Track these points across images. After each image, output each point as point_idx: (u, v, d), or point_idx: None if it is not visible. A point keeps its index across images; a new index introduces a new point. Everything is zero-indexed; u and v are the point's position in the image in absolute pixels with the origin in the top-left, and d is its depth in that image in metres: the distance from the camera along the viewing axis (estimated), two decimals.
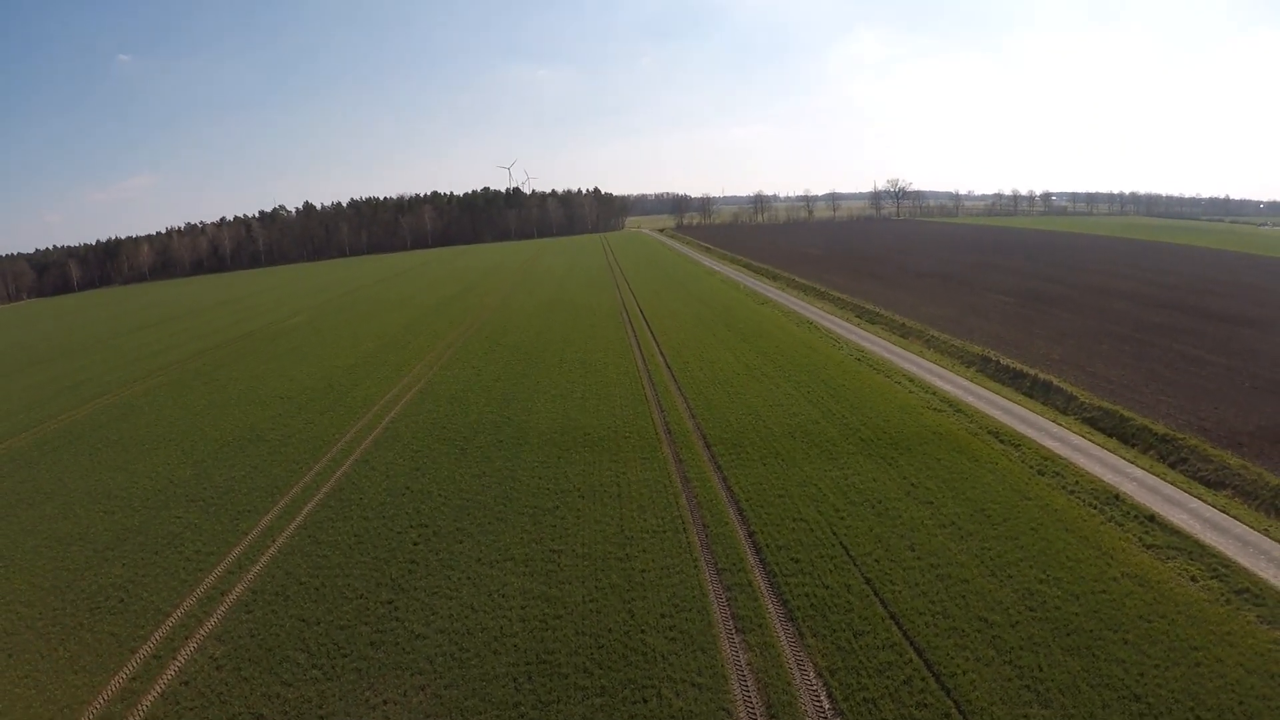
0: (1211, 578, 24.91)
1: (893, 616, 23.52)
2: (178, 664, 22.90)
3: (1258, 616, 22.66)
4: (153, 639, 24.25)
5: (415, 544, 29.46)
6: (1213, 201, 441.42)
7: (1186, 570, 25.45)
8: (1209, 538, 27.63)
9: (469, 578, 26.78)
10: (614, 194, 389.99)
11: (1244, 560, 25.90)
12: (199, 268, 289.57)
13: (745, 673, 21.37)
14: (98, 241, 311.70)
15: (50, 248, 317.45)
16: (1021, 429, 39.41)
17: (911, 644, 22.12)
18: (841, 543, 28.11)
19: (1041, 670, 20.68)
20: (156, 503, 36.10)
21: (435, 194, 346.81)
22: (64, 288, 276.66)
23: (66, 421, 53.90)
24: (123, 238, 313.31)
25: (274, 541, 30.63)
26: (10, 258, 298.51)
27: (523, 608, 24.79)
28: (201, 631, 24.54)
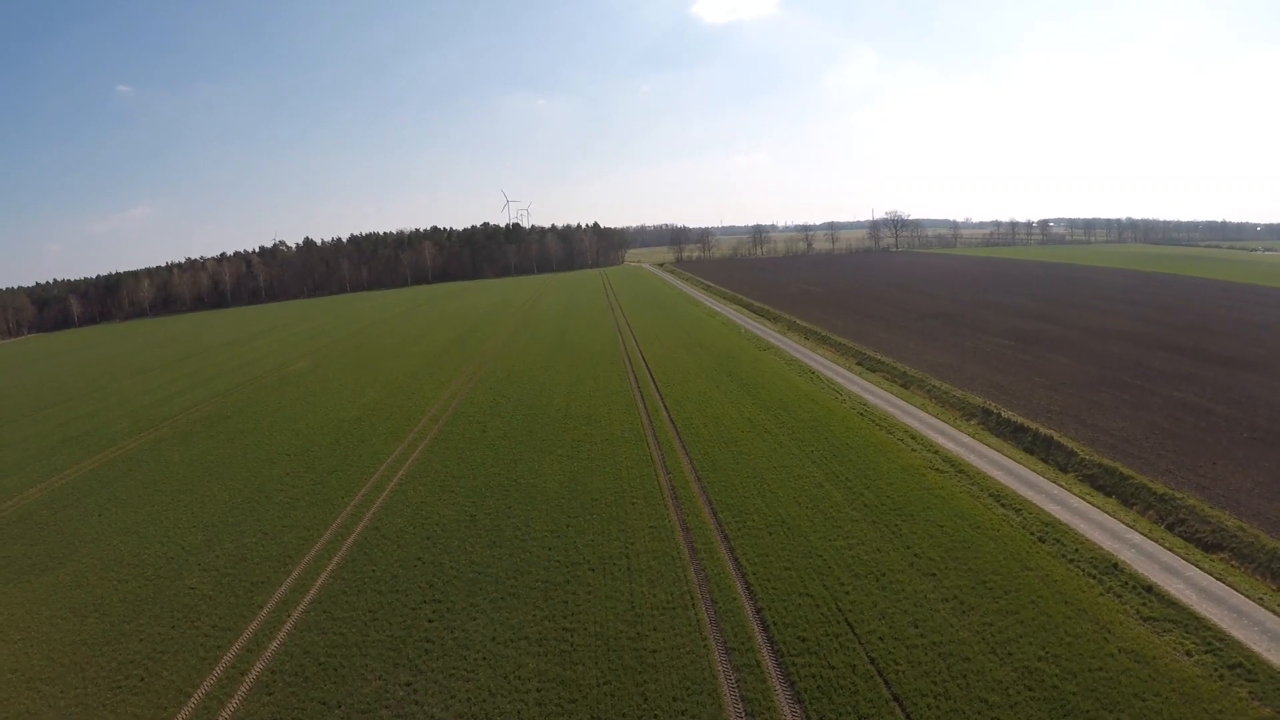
0: (1206, 652, 25.47)
1: (897, 699, 24.04)
2: None
3: (1249, 693, 23.21)
4: None
5: (430, 621, 29.97)
6: (1210, 226, 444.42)
7: (1182, 644, 26.01)
8: (1205, 609, 28.19)
9: (485, 658, 27.27)
10: (613, 228, 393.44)
11: (1238, 633, 26.47)
12: (200, 303, 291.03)
13: None
14: (98, 276, 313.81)
15: (51, 281, 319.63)
16: (1023, 491, 40.02)
17: None
18: (847, 620, 28.63)
19: None
20: (169, 571, 36.59)
21: (435, 229, 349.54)
22: (65, 323, 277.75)
23: (73, 476, 54.47)
24: (123, 272, 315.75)
25: (289, 616, 31.11)
26: (11, 291, 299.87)
27: (539, 690, 25.28)
28: (224, 714, 25.02)
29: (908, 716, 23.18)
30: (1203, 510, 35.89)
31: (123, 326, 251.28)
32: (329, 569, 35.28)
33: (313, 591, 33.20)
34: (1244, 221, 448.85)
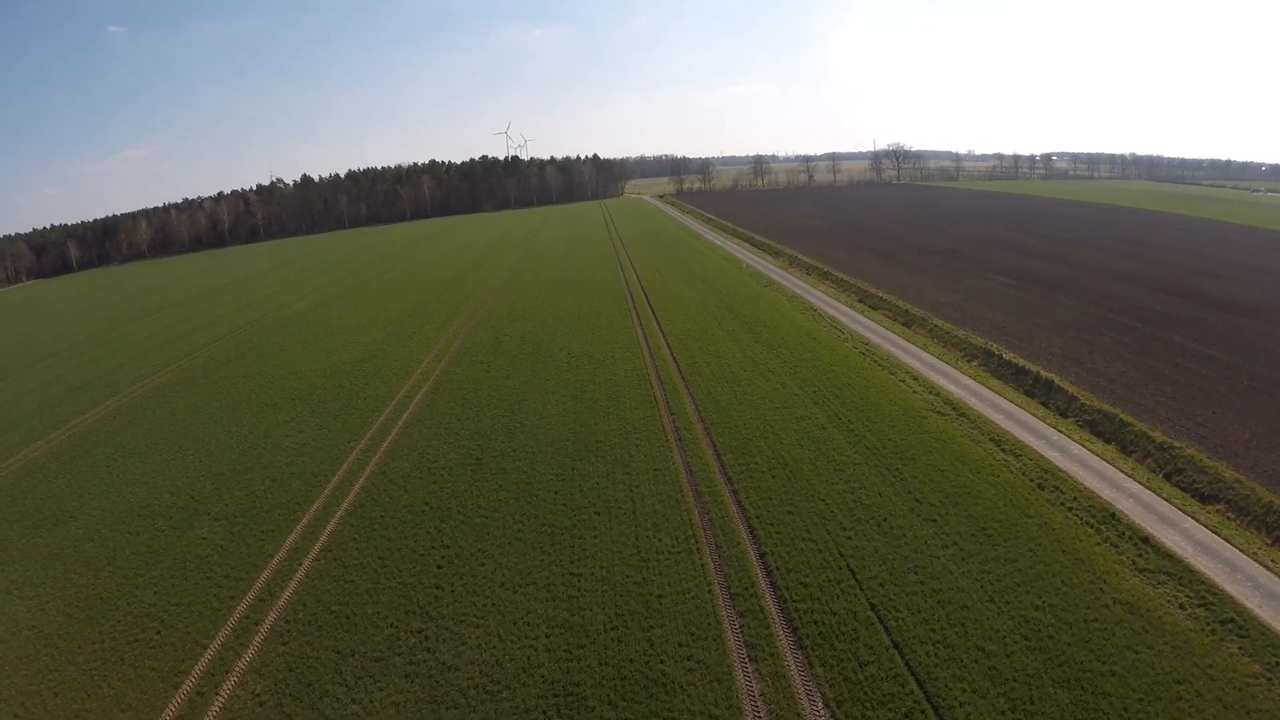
0: (1199, 605, 25.91)
1: (896, 645, 24.61)
2: (221, 699, 24.05)
3: (1239, 649, 23.66)
4: (194, 673, 25.37)
5: (439, 567, 30.51)
6: (1214, 164, 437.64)
7: (1175, 597, 26.45)
8: (1199, 562, 28.58)
9: (494, 604, 27.84)
10: (612, 159, 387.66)
11: (1231, 587, 26.87)
12: (198, 244, 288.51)
13: (759, 704, 22.49)
14: (95, 219, 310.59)
15: (48, 227, 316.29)
16: (1023, 436, 40.27)
17: (913, 675, 23.25)
18: (849, 565, 29.13)
19: (1033, 704, 21.82)
20: (180, 520, 37.08)
21: (434, 163, 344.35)
22: (63, 268, 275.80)
23: (80, 427, 54.77)
24: (120, 214, 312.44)
25: (300, 564, 31.67)
26: (9, 239, 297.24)
27: (548, 636, 25.89)
28: (240, 665, 25.65)
29: (907, 663, 23.75)
30: (1201, 460, 36.17)
31: (121, 269, 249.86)
32: (338, 515, 35.78)
33: (323, 538, 33.73)
34: (1249, 161, 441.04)
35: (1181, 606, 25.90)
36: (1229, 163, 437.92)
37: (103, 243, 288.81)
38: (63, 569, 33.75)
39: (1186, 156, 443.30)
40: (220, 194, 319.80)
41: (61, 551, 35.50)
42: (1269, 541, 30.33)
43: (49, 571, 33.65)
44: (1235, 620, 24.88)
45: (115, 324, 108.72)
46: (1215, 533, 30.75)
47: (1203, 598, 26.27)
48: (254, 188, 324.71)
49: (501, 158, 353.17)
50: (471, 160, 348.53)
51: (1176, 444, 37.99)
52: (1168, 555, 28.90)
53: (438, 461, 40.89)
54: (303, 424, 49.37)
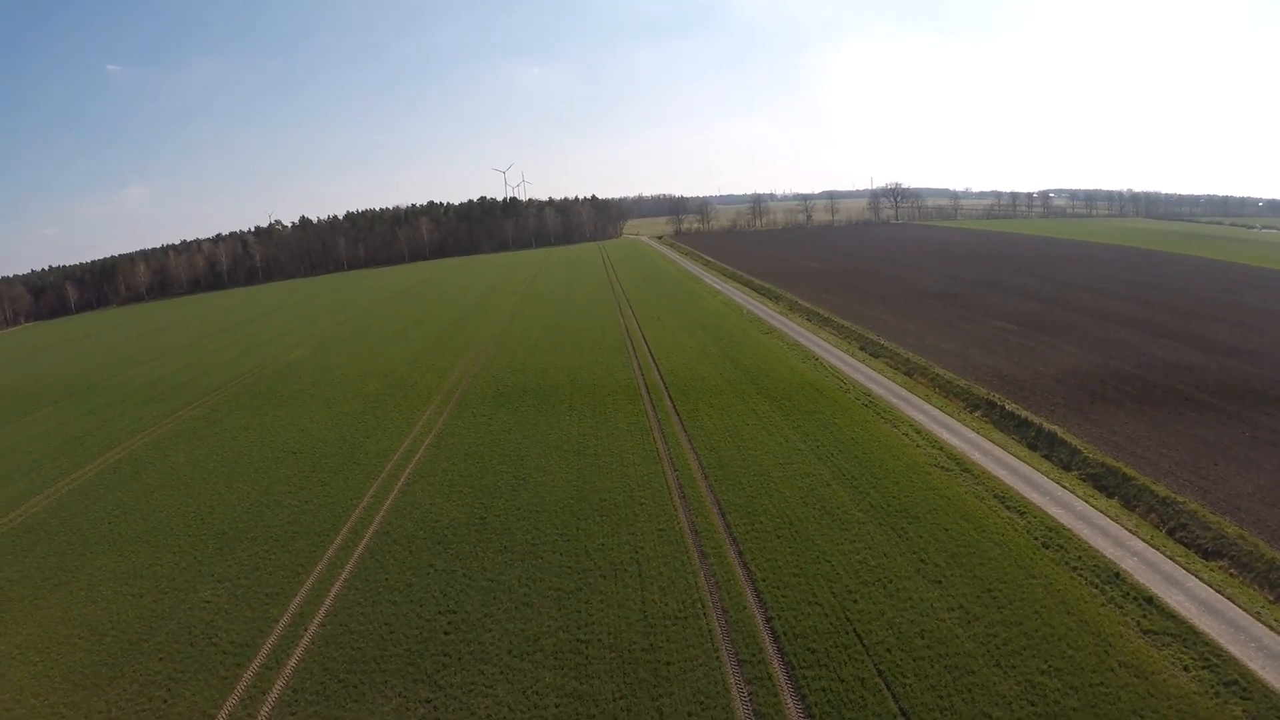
0: (1203, 668, 25.91)
1: (904, 714, 24.58)
2: None
3: (1244, 711, 23.68)
4: None
5: (446, 634, 30.37)
6: (1211, 200, 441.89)
7: (1180, 659, 26.46)
8: (1203, 623, 28.62)
9: (502, 672, 27.70)
10: (610, 199, 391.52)
11: (1235, 649, 26.90)
12: (197, 286, 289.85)
13: None
14: (94, 261, 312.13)
15: (46, 268, 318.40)
16: (1027, 493, 40.38)
17: None
18: (856, 630, 29.07)
19: None
20: (183, 583, 36.90)
21: (432, 204, 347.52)
22: (61, 310, 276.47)
23: (80, 481, 54.62)
24: (118, 255, 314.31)
25: (306, 630, 31.52)
26: (7, 281, 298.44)
27: (557, 706, 25.75)
28: None
29: None
30: (1204, 516, 36.31)
31: (119, 312, 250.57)
32: (342, 578, 35.66)
33: (327, 602, 33.60)
34: (1246, 196, 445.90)
35: (1186, 669, 25.90)
36: (1226, 199, 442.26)
37: (101, 285, 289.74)
38: (66, 633, 33.49)
39: (1184, 192, 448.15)
40: (218, 235, 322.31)
41: (65, 615, 35.24)
42: (1271, 599, 30.42)
43: (52, 636, 33.40)
44: (1239, 682, 24.90)
45: (114, 370, 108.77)
46: (1219, 591, 30.81)
47: (1207, 659, 26.27)
48: (252, 229, 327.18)
49: (500, 198, 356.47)
50: (469, 201, 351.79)
51: (1179, 498, 38.15)
52: (1172, 616, 28.94)
53: (441, 521, 40.83)
54: (305, 480, 49.32)
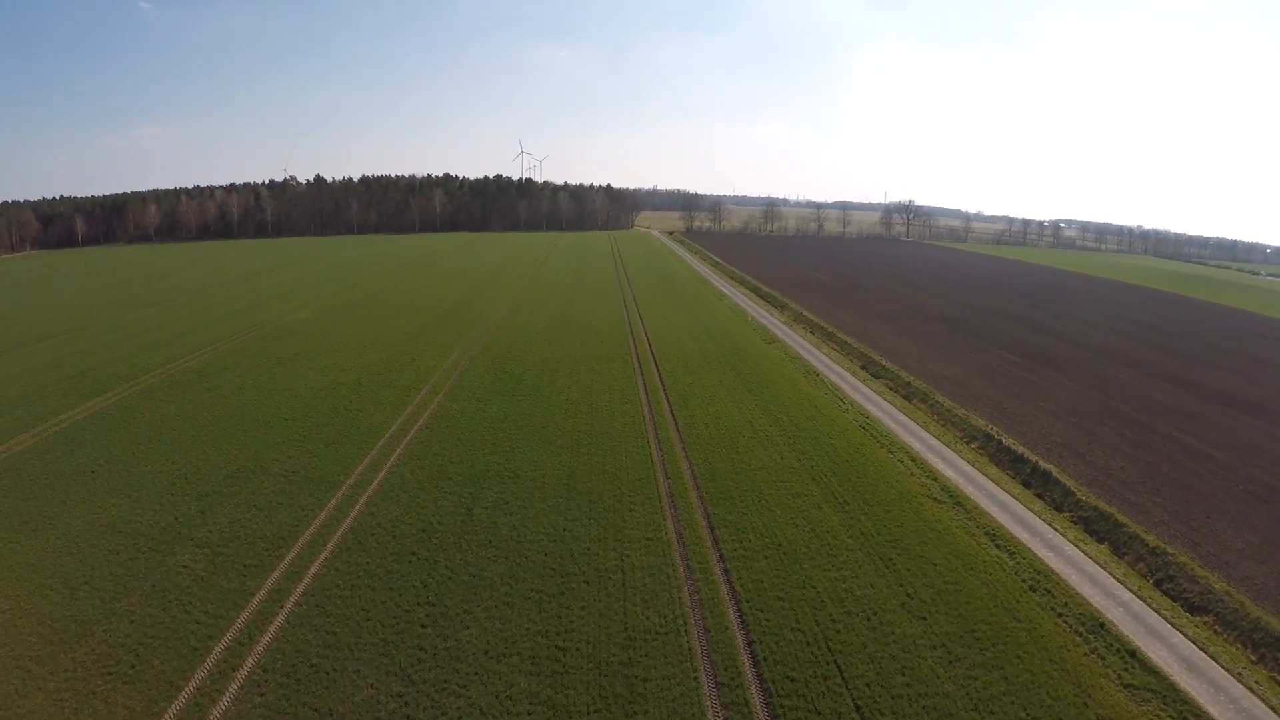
0: None
1: None
2: None
3: None
4: (168, 717, 24.71)
5: (423, 626, 29.97)
6: (1220, 244, 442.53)
7: (1159, 716, 26.38)
8: (1185, 681, 28.55)
9: (477, 672, 27.32)
10: (625, 189, 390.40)
11: (1213, 709, 26.89)
12: (205, 232, 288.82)
13: None
14: (105, 195, 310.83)
15: (57, 197, 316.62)
16: (1018, 532, 40.11)
17: None
18: (837, 662, 28.76)
19: None
20: (161, 543, 36.43)
21: (447, 176, 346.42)
22: (68, 241, 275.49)
23: (67, 424, 54.07)
24: (130, 192, 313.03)
25: (282, 607, 31.12)
26: (16, 205, 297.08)
27: (529, 713, 25.39)
28: (215, 713, 25.04)
29: None
30: (1192, 569, 36.27)
31: (127, 250, 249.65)
32: (322, 556, 35.24)
33: (306, 580, 33.20)
34: (1255, 242, 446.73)
35: None
36: (1235, 243, 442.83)
37: (110, 221, 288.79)
38: (38, 582, 33.07)
39: (1193, 233, 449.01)
40: (232, 185, 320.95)
41: (39, 562, 34.81)
42: (1254, 659, 30.48)
43: (25, 584, 32.98)
44: None
45: (115, 311, 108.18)
46: (1202, 649, 30.81)
47: (1185, 718, 26.19)
48: (266, 182, 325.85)
49: (515, 178, 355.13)
50: (485, 178, 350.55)
51: (1169, 550, 38.11)
52: (1154, 671, 28.84)
53: (428, 508, 40.35)
54: (294, 449, 48.84)
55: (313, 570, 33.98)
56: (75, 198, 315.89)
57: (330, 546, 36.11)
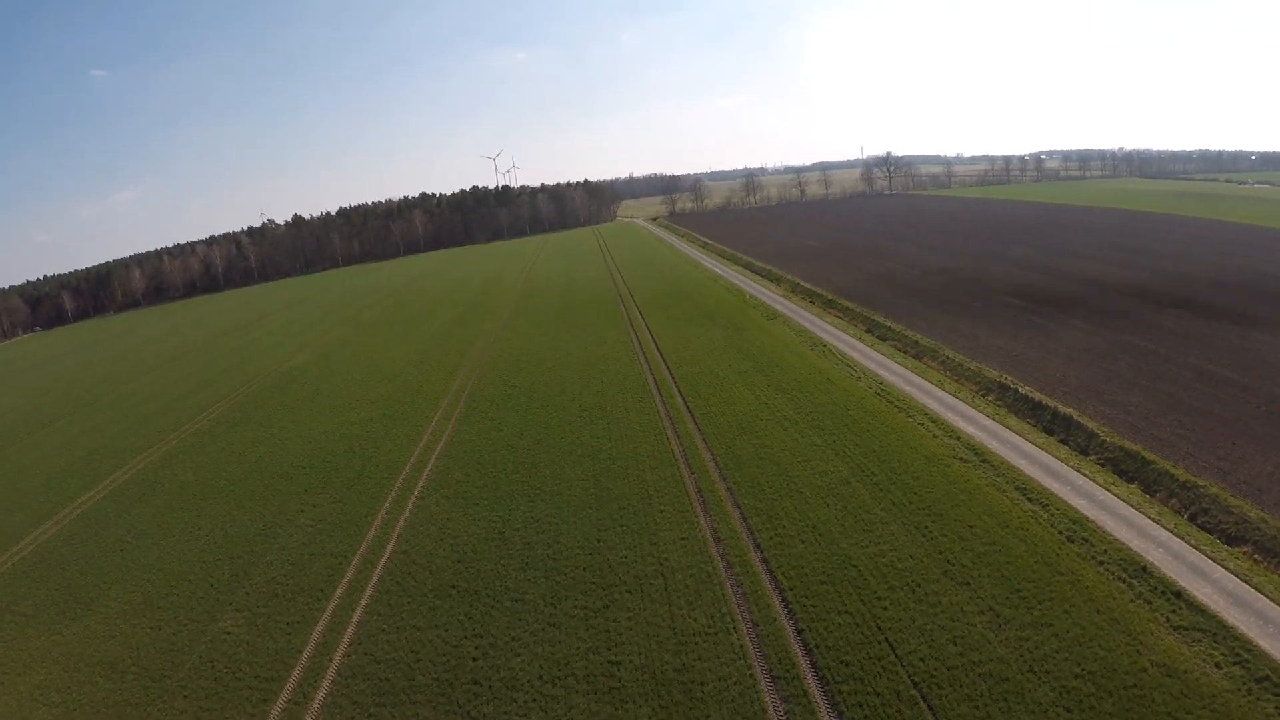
0: (1234, 664, 25.66)
1: None
2: None
3: (1277, 708, 23.41)
4: None
5: (474, 659, 29.93)
6: (1204, 156, 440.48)
7: (1211, 655, 26.22)
8: (1232, 616, 28.31)
9: (535, 700, 27.30)
10: (603, 181, 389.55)
11: (1264, 642, 26.66)
12: (193, 289, 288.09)
13: None
14: (89, 268, 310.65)
15: (42, 278, 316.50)
16: (1047, 482, 39.95)
17: None
18: (888, 639, 28.69)
19: None
20: (201, 612, 36.42)
21: (425, 196, 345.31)
22: (59, 320, 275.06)
23: (88, 505, 54.01)
24: (114, 261, 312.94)
25: (331, 660, 31.10)
26: (3, 293, 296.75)
27: None
28: None
29: None
30: (1225, 500, 36.07)
31: (117, 320, 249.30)
32: (363, 602, 35.20)
33: (350, 629, 33.16)
34: (1239, 150, 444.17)
35: (1218, 665, 25.66)
36: (1220, 154, 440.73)
37: (97, 292, 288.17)
38: (86, 672, 33.03)
39: (1176, 149, 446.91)
40: (212, 237, 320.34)
41: (83, 652, 34.76)
42: None
43: (72, 675, 32.96)
44: (1270, 678, 24.67)
45: (115, 383, 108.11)
46: (1245, 580, 30.59)
47: (1238, 655, 26.02)
48: (245, 229, 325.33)
49: (492, 187, 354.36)
50: (462, 191, 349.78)
51: (1200, 482, 37.87)
52: (1201, 610, 28.66)
53: (460, 536, 40.30)
54: (317, 496, 48.79)
55: (355, 618, 33.93)
56: (60, 275, 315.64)
57: (369, 591, 36.06)
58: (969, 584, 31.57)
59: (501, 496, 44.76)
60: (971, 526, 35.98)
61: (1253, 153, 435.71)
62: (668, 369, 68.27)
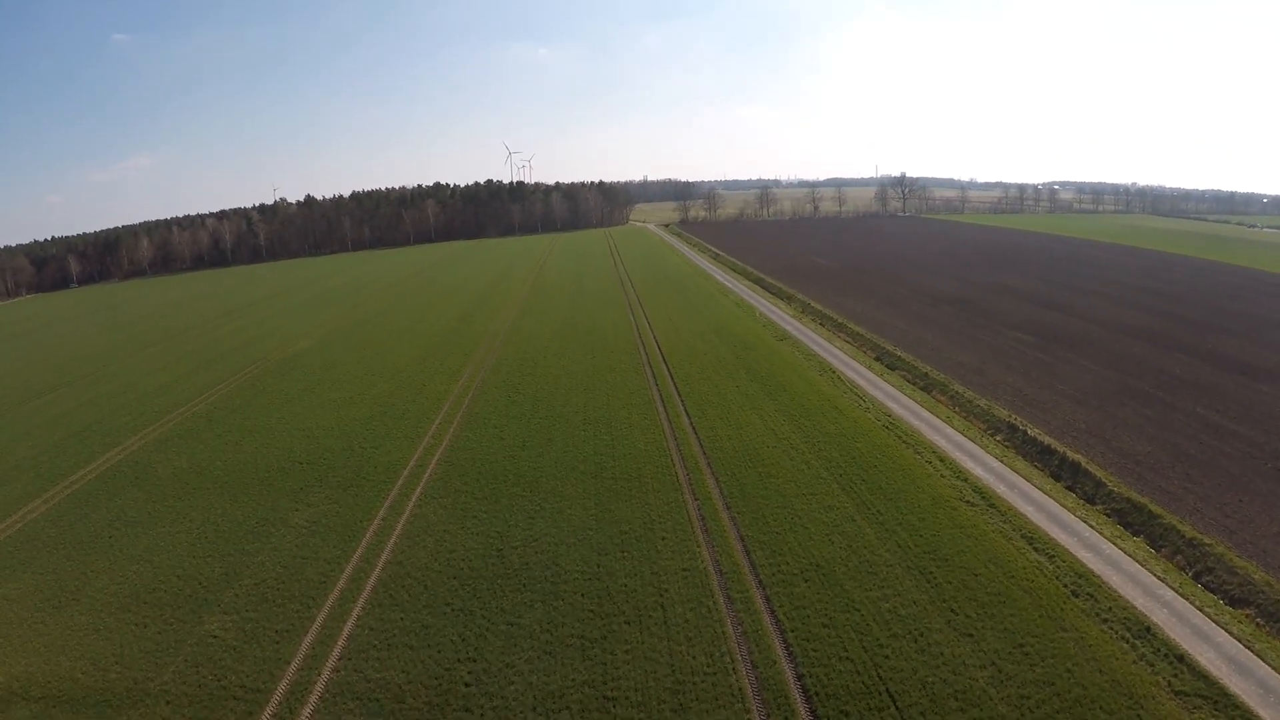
0: None
1: None
2: None
3: None
4: None
5: (467, 685, 29.24)
6: (1216, 197, 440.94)
7: None
8: (1234, 684, 27.95)
9: None
10: (617, 183, 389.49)
11: (1265, 712, 26.33)
12: (200, 262, 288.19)
13: None
14: (97, 232, 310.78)
15: (49, 239, 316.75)
16: (1054, 532, 39.41)
17: None
18: (889, 690, 28.08)
19: None
20: (188, 611, 35.65)
21: (438, 186, 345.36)
22: (63, 283, 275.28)
23: (78, 486, 53.33)
24: (122, 227, 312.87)
25: (320, 674, 30.42)
26: (9, 250, 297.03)
27: None
28: None
29: None
30: (1230, 560, 35.82)
31: (122, 287, 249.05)
32: (354, 613, 34.53)
33: (340, 642, 32.48)
34: (1250, 192, 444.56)
35: None
36: (1231, 194, 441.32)
37: (103, 258, 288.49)
38: (68, 665, 32.32)
39: (1188, 187, 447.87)
40: (223, 211, 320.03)
41: (66, 642, 34.09)
42: None
43: (54, 667, 32.25)
44: None
45: (115, 355, 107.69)
46: (1248, 646, 30.32)
47: None
48: (257, 206, 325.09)
49: (506, 181, 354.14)
50: (476, 184, 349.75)
51: (1206, 540, 37.61)
52: (1203, 675, 28.29)
53: (457, 551, 39.57)
54: (311, 495, 48.08)
55: (346, 630, 33.25)
56: (67, 237, 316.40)
57: (361, 602, 35.38)
58: (972, 635, 30.97)
59: (501, 511, 44.03)
60: (976, 575, 35.37)
61: (1265, 195, 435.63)
62: (674, 384, 67.63)
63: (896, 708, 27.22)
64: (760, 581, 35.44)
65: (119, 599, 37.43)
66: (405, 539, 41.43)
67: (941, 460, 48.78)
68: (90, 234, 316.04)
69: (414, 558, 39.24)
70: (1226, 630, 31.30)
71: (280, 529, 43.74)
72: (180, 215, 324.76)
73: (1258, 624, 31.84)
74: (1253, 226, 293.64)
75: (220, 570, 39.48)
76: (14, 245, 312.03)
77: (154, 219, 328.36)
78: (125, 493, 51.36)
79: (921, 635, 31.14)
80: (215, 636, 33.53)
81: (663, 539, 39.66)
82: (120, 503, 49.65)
